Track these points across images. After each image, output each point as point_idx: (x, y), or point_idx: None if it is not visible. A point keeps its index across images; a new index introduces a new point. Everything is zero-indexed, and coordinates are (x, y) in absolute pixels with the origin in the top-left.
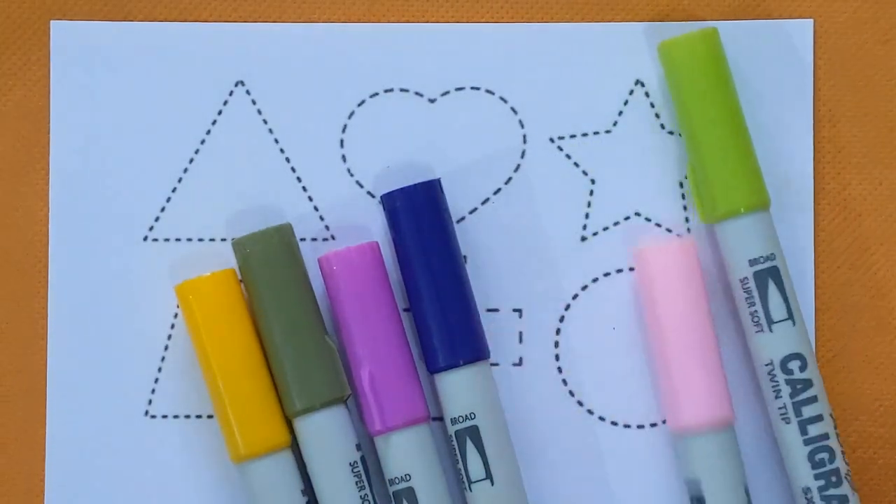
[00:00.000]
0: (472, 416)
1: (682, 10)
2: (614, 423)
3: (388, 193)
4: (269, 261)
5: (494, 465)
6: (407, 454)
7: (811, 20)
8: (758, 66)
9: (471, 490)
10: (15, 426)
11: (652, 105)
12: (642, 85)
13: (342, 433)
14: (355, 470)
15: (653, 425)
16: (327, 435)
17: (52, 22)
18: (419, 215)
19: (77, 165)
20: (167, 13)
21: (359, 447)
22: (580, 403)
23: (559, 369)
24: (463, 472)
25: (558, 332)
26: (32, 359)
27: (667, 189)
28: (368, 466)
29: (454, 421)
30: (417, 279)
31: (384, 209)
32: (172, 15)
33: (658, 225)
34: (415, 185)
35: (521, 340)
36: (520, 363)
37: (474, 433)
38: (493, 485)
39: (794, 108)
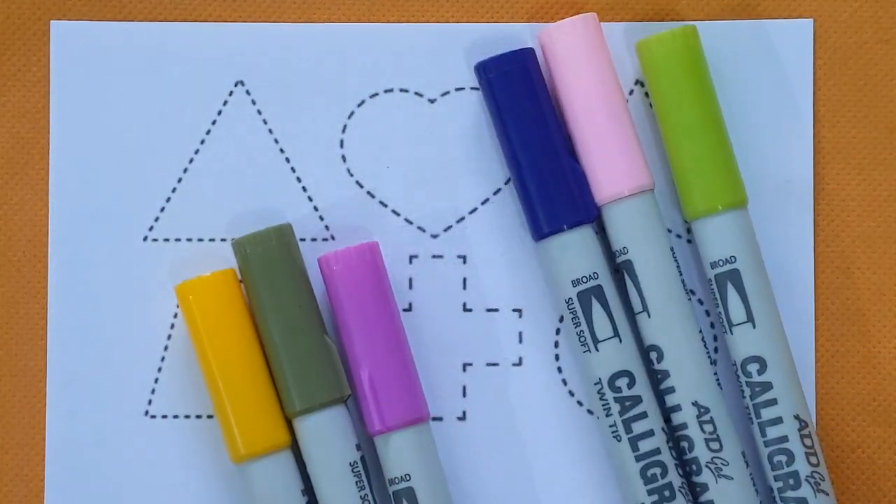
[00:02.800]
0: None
1: (680, 10)
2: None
3: (482, 62)
4: (268, 261)
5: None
6: (407, 454)
7: (811, 20)
8: (758, 66)
9: None
10: (15, 426)
11: (651, 105)
12: (642, 85)
13: (342, 433)
14: (355, 470)
15: None
16: (327, 435)
17: (52, 22)
18: (513, 83)
19: (77, 165)
20: (167, 13)
21: (359, 447)
22: (580, 403)
23: (559, 369)
24: None
25: (558, 332)
26: (32, 359)
27: (666, 189)
28: (368, 466)
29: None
30: (515, 146)
31: (478, 79)
32: (172, 15)
33: None
34: (508, 52)
35: (521, 340)
36: (520, 363)
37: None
38: None
39: (794, 108)
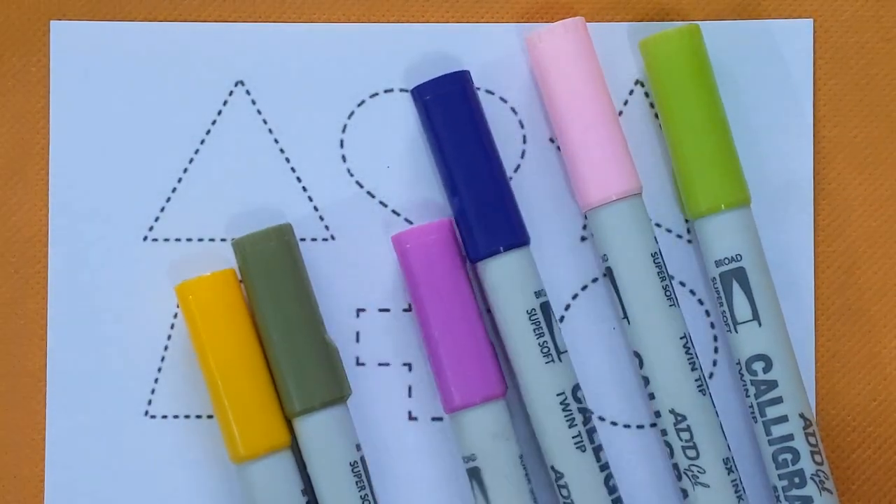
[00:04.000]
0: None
1: (680, 10)
2: (614, 424)
3: (418, 86)
4: (268, 261)
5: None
6: (483, 431)
7: (811, 20)
8: (758, 66)
9: None
10: (15, 426)
11: (652, 105)
12: (642, 85)
13: (342, 433)
14: (355, 470)
15: (652, 425)
16: (327, 435)
17: (52, 22)
18: (450, 105)
19: (77, 165)
20: (167, 13)
21: (359, 447)
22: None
23: None
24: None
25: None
26: (32, 359)
27: (666, 189)
28: (368, 466)
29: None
30: (454, 172)
31: (415, 103)
32: (172, 15)
33: (658, 225)
34: (444, 75)
35: None
36: None
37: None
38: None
39: (794, 108)
